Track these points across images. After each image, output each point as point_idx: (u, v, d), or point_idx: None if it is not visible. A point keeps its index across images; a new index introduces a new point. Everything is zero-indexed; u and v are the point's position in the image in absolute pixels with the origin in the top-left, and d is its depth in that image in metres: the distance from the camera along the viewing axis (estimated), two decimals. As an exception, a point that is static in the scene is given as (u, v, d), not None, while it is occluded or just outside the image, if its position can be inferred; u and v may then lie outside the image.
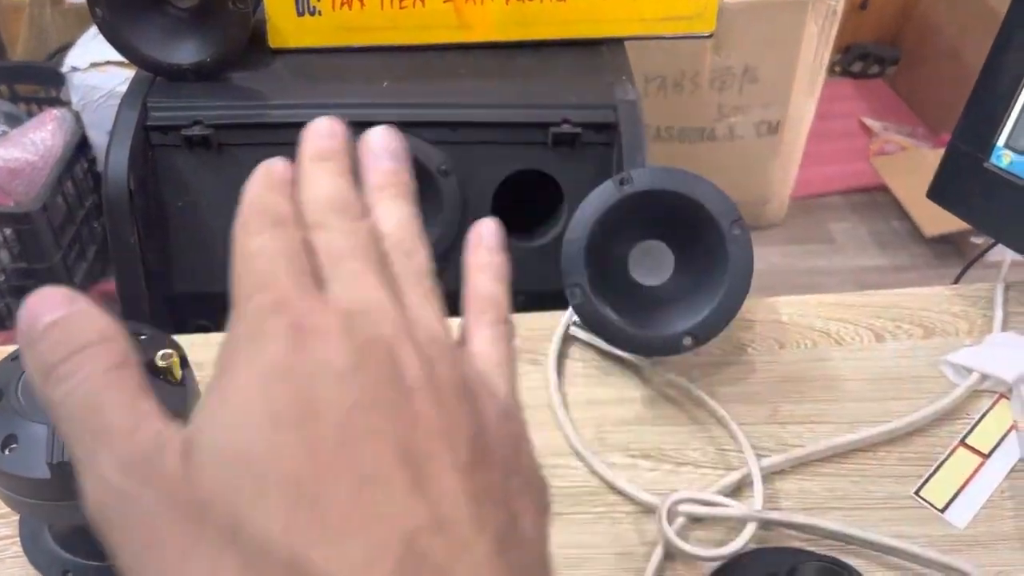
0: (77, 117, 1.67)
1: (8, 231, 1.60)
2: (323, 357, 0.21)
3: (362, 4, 0.69)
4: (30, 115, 1.82)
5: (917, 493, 0.53)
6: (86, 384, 0.21)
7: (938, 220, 1.98)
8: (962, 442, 0.56)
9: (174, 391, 0.46)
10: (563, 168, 0.68)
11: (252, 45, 0.68)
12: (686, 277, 0.56)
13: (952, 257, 1.99)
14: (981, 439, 0.56)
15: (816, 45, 1.78)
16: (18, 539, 0.50)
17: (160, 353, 0.46)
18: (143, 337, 0.48)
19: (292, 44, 0.71)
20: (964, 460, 0.55)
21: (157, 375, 0.46)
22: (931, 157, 2.15)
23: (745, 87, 1.82)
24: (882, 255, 2.03)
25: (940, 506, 0.53)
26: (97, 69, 1.59)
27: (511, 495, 0.22)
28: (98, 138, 1.67)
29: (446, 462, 0.21)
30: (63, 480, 0.41)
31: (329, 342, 0.21)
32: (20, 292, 1.68)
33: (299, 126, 0.67)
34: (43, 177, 1.63)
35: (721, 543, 0.50)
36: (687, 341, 0.53)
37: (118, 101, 1.61)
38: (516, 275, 0.72)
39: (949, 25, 2.33)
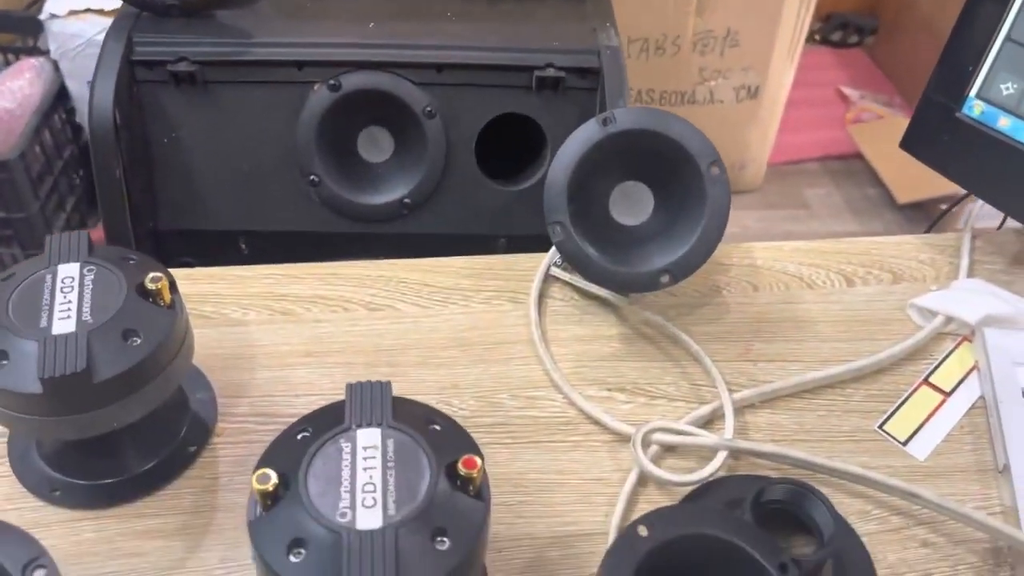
0: (55, 66, 1.65)
1: (-16, 180, 1.59)
2: None
3: (349, -56, 0.70)
4: (7, 64, 1.79)
5: (881, 427, 0.56)
6: None
7: (910, 187, 2.02)
8: (925, 380, 0.59)
9: (163, 314, 0.47)
10: (546, 112, 0.69)
11: (237, -16, 0.68)
12: (664, 217, 0.57)
13: (923, 224, 2.03)
14: (943, 378, 0.59)
15: (798, 10, 1.79)
16: (7, 460, 0.51)
17: (150, 276, 0.47)
18: (132, 261, 0.49)
19: (278, -17, 0.71)
20: (926, 397, 0.57)
21: (147, 297, 0.47)
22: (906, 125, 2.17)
23: (726, 51, 1.83)
24: (856, 221, 2.06)
25: (902, 439, 0.55)
26: (76, 17, 1.57)
27: None
28: (77, 88, 1.65)
29: None
30: (54, 395, 0.42)
31: None
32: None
33: (285, 64, 0.68)
34: (20, 126, 1.61)
35: (692, 471, 0.52)
36: (664, 278, 0.55)
37: (97, 50, 1.60)
38: (499, 219, 0.73)
39: (928, -5, 2.34)
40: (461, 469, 0.39)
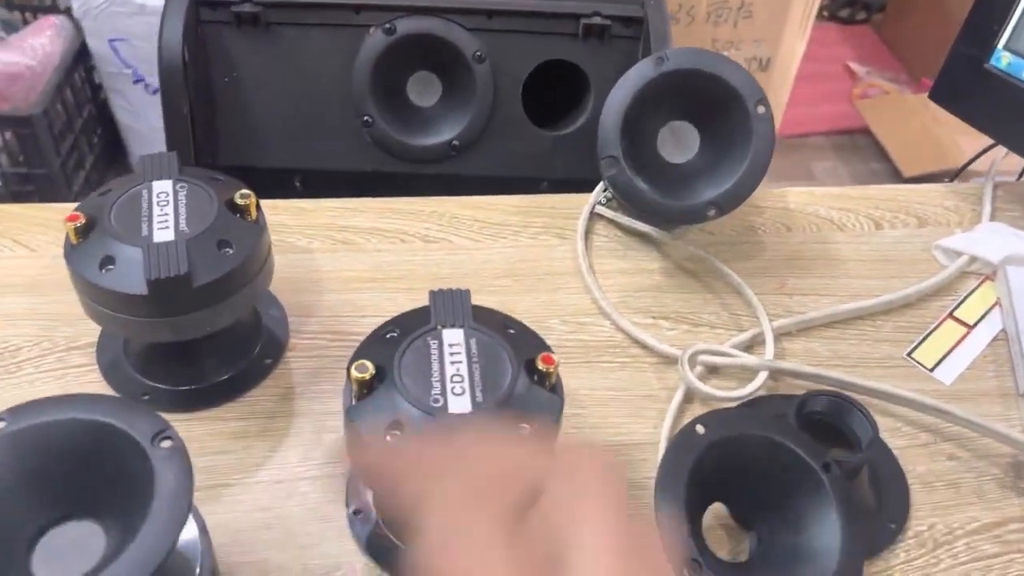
0: (77, 24, 1.67)
1: (8, 135, 1.61)
2: None
3: None
4: (25, 23, 1.80)
5: (909, 355, 0.59)
6: None
7: (916, 161, 2.05)
8: (950, 315, 0.62)
9: (250, 228, 0.50)
10: (590, 59, 0.72)
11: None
12: (711, 154, 0.61)
13: (928, 199, 2.06)
14: (967, 312, 0.62)
15: (811, -17, 1.82)
16: (96, 367, 0.54)
17: (239, 192, 0.50)
18: (219, 180, 0.52)
19: (335, -70, 0.74)
20: (951, 330, 0.61)
21: (235, 212, 0.50)
22: (913, 102, 2.21)
23: (740, 22, 1.85)
24: (862, 194, 2.09)
25: (929, 366, 0.59)
26: (99, -26, 1.59)
27: None
28: (98, 46, 1.66)
29: None
30: (157, 296, 0.46)
31: None
32: (18, 197, 1.69)
33: (344, 8, 0.71)
34: (42, 83, 1.63)
35: (734, 391, 0.56)
36: (711, 211, 0.58)
37: (120, 9, 1.61)
38: (542, 163, 0.76)
39: (936, -27, 2.37)
40: (540, 364, 0.42)
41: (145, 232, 0.47)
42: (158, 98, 1.75)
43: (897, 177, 2.09)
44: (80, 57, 1.71)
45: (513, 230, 0.67)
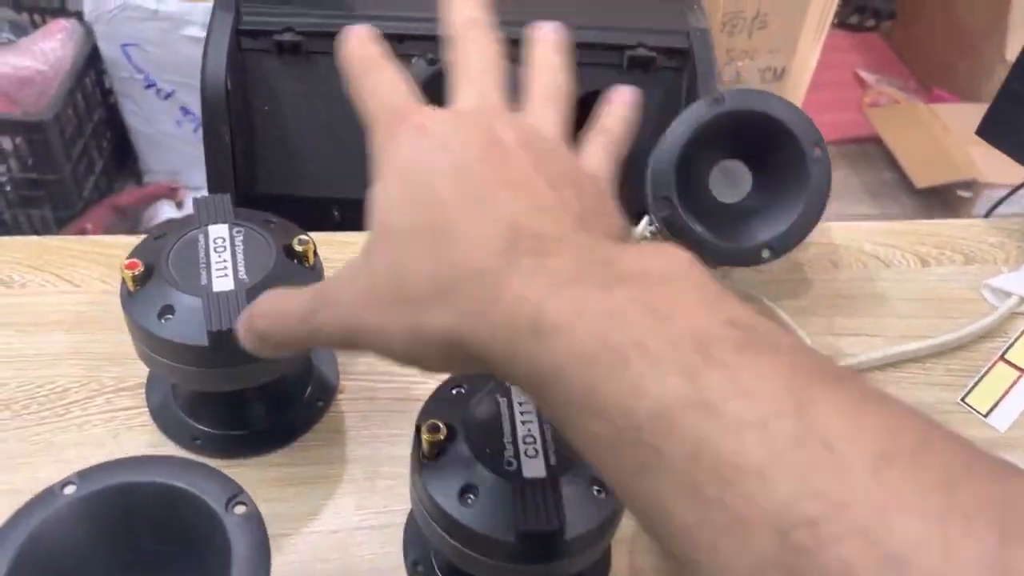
0: (88, 28, 1.66)
1: (19, 140, 1.59)
2: (438, 138, 0.32)
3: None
4: (34, 25, 1.79)
5: (963, 400, 0.59)
6: None
7: (928, 173, 2.05)
8: (1002, 357, 0.62)
9: (309, 274, 0.49)
10: (634, 91, 0.71)
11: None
12: (763, 195, 0.60)
13: (939, 209, 2.06)
14: (1019, 355, 0.62)
15: (825, -5, 1.81)
16: (145, 409, 0.54)
17: (297, 238, 0.49)
18: (273, 223, 0.52)
19: (376, -44, 0.73)
20: (1004, 373, 0.61)
21: (293, 258, 0.49)
22: (923, 111, 2.20)
23: (755, 32, 1.85)
24: (872, 205, 2.09)
25: (984, 411, 0.58)
26: (113, -21, 1.57)
27: (594, 213, 0.31)
28: (110, 50, 1.65)
29: (539, 183, 0.30)
30: (218, 347, 0.45)
31: (445, 126, 0.32)
32: (28, 203, 1.67)
33: (386, 37, 0.70)
34: (53, 87, 1.61)
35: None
36: (766, 253, 0.58)
37: (133, 14, 1.60)
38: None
39: (946, -18, 2.37)
40: (296, 247, 0.47)
41: (204, 280, 0.47)
42: (169, 103, 1.75)
43: (909, 187, 2.09)
44: (91, 61, 1.70)
45: (558, 265, 0.66)
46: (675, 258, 0.27)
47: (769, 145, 0.58)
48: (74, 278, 0.61)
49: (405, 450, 0.53)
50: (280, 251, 0.49)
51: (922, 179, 2.04)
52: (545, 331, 0.26)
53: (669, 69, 0.71)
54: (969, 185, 2.01)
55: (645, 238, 0.67)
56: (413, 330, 0.29)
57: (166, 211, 1.74)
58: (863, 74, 2.44)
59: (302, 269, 0.49)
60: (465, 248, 0.28)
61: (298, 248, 0.49)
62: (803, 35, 1.87)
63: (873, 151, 2.23)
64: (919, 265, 0.68)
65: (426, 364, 0.31)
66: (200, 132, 1.76)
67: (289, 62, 0.68)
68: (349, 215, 0.74)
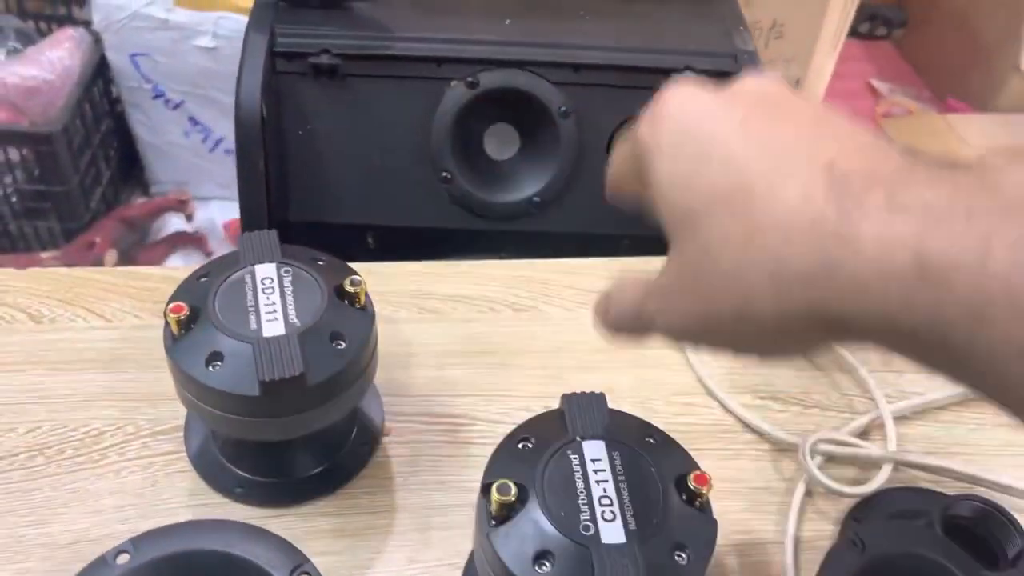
0: (96, 37, 1.63)
1: (26, 151, 1.57)
2: (705, 102, 0.29)
3: (484, -61, 0.69)
4: (40, 34, 1.76)
5: (1031, 441, 0.57)
6: None
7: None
8: (1068, 395, 0.59)
9: (361, 317, 0.47)
10: (679, 115, 0.69)
11: (368, -26, 0.68)
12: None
13: (953, 221, 2.04)
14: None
15: (844, 3, 1.79)
16: (184, 454, 0.51)
17: (349, 279, 0.47)
18: (321, 262, 0.49)
19: (412, -25, 0.71)
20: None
21: (344, 299, 0.47)
22: (939, 122, 2.18)
23: (771, 42, 1.83)
24: (887, 216, 2.07)
25: (1055, 454, 0.56)
26: (123, -12, 1.55)
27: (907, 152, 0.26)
28: (118, 60, 1.62)
29: (836, 121, 0.27)
30: (270, 397, 0.43)
31: (707, 92, 0.30)
32: (34, 215, 1.65)
33: (425, 60, 0.68)
34: (60, 98, 1.59)
35: (853, 482, 0.53)
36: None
37: (142, 23, 1.57)
38: (625, 220, 0.73)
39: (959, -10, 2.35)
40: (692, 484, 0.39)
41: (254, 325, 0.44)
42: (178, 113, 1.72)
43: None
44: (99, 71, 1.67)
45: (605, 297, 0.63)
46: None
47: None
48: (105, 312, 0.58)
49: (457, 498, 0.51)
50: (331, 292, 0.47)
51: (937, 191, 2.01)
52: (944, 271, 0.22)
53: (716, 92, 0.69)
54: None
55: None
56: (740, 315, 0.26)
57: (175, 223, 1.72)
58: (875, 83, 2.42)
59: (353, 311, 0.47)
60: (785, 201, 0.25)
61: (350, 289, 0.47)
62: (819, 45, 1.85)
63: (886, 161, 2.21)
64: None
65: (767, 349, 0.29)
66: (208, 142, 1.74)
67: (325, 85, 0.66)
68: (384, 241, 0.72)
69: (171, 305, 0.44)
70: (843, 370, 0.60)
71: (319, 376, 0.43)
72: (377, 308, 0.61)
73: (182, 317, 0.44)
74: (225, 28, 1.56)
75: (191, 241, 1.71)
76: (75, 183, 1.62)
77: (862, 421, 0.56)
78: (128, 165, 1.83)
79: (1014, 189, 0.22)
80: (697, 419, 0.56)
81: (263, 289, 0.46)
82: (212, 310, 0.45)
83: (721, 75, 0.68)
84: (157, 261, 1.66)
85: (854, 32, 2.62)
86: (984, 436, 0.57)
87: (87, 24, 1.66)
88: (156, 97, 1.69)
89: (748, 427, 0.56)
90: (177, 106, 1.70)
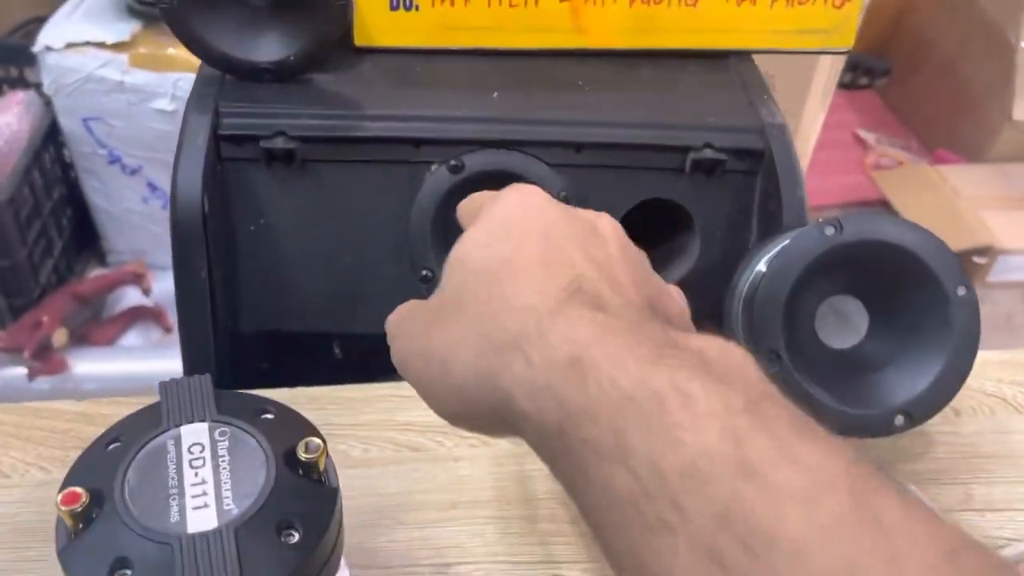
0: (48, 101, 1.52)
1: (-32, 225, 1.45)
2: (534, 202, 0.35)
3: (466, 1, 0.60)
4: (-12, 96, 1.66)
5: None
6: None
7: (943, 239, 1.96)
8: None
9: (321, 493, 0.36)
10: (698, 198, 0.60)
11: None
12: (887, 339, 0.48)
13: (950, 275, 1.97)
14: None
15: (832, 56, 1.73)
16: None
17: (304, 442, 0.36)
18: (268, 416, 0.38)
19: (382, 43, 0.61)
20: None
21: (297, 470, 0.36)
22: (931, 174, 2.12)
23: (761, 94, 1.76)
24: (884, 272, 2.00)
25: None
26: (74, 50, 1.45)
27: (659, 304, 0.34)
28: (71, 125, 1.52)
29: (617, 263, 0.33)
30: (197, 623, 0.31)
31: (542, 196, 0.35)
32: (-20, 291, 1.52)
33: (399, 142, 0.57)
34: (9, 166, 1.48)
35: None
36: (900, 420, 0.45)
37: (96, 85, 1.47)
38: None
39: (944, 38, 2.31)
40: (302, 455, 0.35)
41: (175, 516, 0.33)
42: (135, 179, 1.61)
43: (950, 250, 2.00)
44: (50, 136, 1.57)
45: (620, 422, 0.53)
46: (735, 349, 0.27)
47: (895, 280, 0.46)
48: (3, 465, 0.47)
49: None
50: (280, 461, 0.36)
51: (935, 245, 1.94)
52: (584, 367, 0.26)
53: (739, 172, 0.59)
54: (984, 251, 1.93)
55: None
56: (453, 354, 0.31)
57: (132, 297, 1.60)
58: (862, 134, 2.37)
59: (310, 485, 0.36)
60: (527, 284, 0.30)
61: (304, 457, 0.36)
62: (810, 95, 1.79)
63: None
64: (1055, 408, 0.56)
65: (454, 415, 0.33)
66: (168, 210, 1.64)
67: (280, 173, 0.56)
68: (351, 350, 0.61)
69: (63, 493, 0.33)
70: (913, 510, 0.49)
71: (262, 585, 0.32)
72: (345, 447, 0.50)
73: (79, 508, 0.33)
74: (184, 90, 1.46)
75: (149, 315, 1.59)
76: (23, 256, 1.50)
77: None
78: (82, 234, 1.72)
79: (678, 341, 0.27)
80: None
81: (191, 462, 0.35)
82: (120, 495, 0.34)
83: (746, 153, 0.58)
84: (112, 339, 1.54)
85: (838, 82, 2.58)
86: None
87: (38, 87, 1.55)
88: (112, 162, 1.59)
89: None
90: (134, 171, 1.59)
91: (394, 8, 0.59)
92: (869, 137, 2.34)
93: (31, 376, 1.39)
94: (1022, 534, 0.48)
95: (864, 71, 2.58)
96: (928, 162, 2.22)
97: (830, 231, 0.45)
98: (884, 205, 2.12)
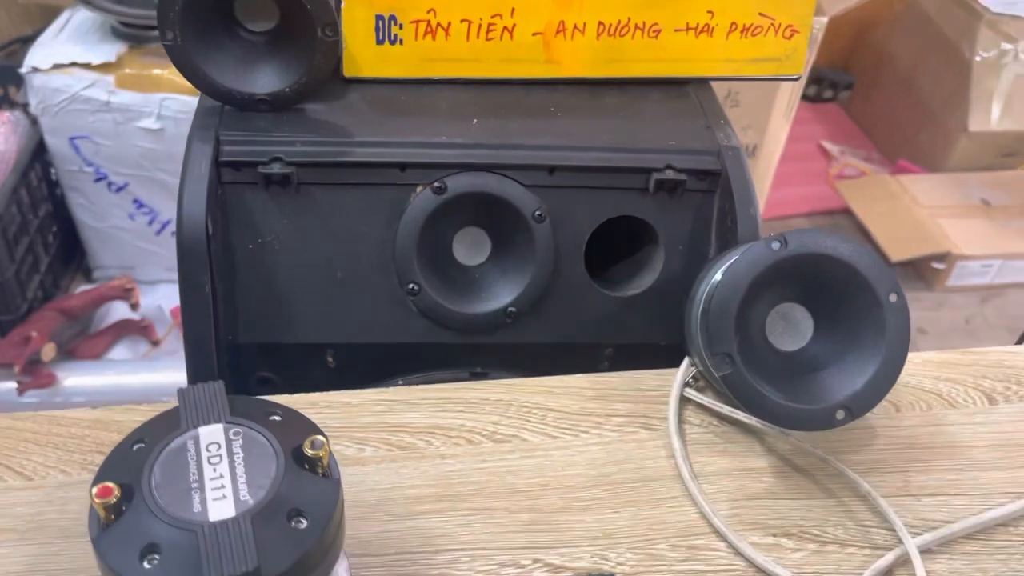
0: (34, 121, 1.56)
1: (-44, 243, 1.48)
2: None
3: (447, 34, 0.65)
4: (-28, 116, 1.68)
5: (1067, 572, 0.52)
6: None
7: (903, 246, 2.03)
8: (1097, 515, 0.55)
9: (324, 486, 0.40)
10: (661, 215, 0.65)
11: (322, 73, 0.63)
12: (829, 343, 0.53)
13: (913, 280, 2.04)
14: (1115, 511, 0.55)
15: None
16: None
17: (310, 440, 0.41)
18: (276, 417, 0.43)
19: (369, 74, 0.65)
20: (1102, 534, 0.54)
21: (304, 464, 0.41)
22: (892, 183, 2.20)
23: (727, 111, 1.82)
24: (850, 279, 2.06)
25: (1092, 586, 0.51)
26: (61, 71, 1.48)
27: None
28: (57, 145, 1.55)
29: None
30: (221, 599, 0.36)
31: None
32: (-34, 309, 1.55)
33: (386, 166, 0.62)
34: (-5, 185, 1.51)
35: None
36: (841, 414, 0.50)
37: (82, 105, 1.51)
38: (607, 328, 0.68)
39: (903, 53, 2.39)
40: (307, 451, 0.39)
41: (197, 507, 0.37)
42: (121, 196, 1.65)
43: (884, 260, 2.06)
44: (37, 155, 1.60)
45: (593, 421, 0.58)
46: None
47: (836, 290, 0.52)
48: (26, 469, 0.51)
49: None
50: (288, 457, 0.40)
51: (897, 252, 2.02)
52: None
53: (698, 191, 0.64)
54: (942, 257, 2.00)
55: (688, 384, 0.59)
56: None
57: (120, 311, 1.63)
58: (827, 145, 2.44)
59: (314, 479, 0.40)
60: None
61: (310, 453, 0.40)
62: (775, 111, 1.85)
63: (844, 223, 2.21)
64: (986, 403, 0.62)
65: None
66: (155, 225, 1.67)
67: (277, 195, 0.60)
68: (344, 358, 0.65)
69: (97, 487, 0.37)
70: (855, 494, 0.54)
71: (276, 566, 0.37)
72: (340, 447, 0.55)
73: (111, 501, 0.37)
74: (170, 109, 1.50)
75: (137, 330, 1.62)
76: (10, 273, 1.53)
77: (887, 560, 0.51)
78: (69, 251, 1.74)
79: None
80: (706, 566, 0.50)
81: (209, 459, 0.40)
82: (148, 489, 0.38)
83: (704, 173, 0.64)
84: (99, 353, 1.57)
85: (802, 95, 2.66)
86: (1014, 568, 0.52)
87: (24, 107, 1.58)
88: (98, 180, 1.62)
89: (765, 573, 0.50)
90: (120, 189, 1.63)
91: (380, 42, 0.64)
92: (833, 149, 2.42)
93: (20, 391, 1.42)
94: (955, 516, 0.54)
95: (829, 85, 2.67)
96: (890, 172, 2.30)
97: (776, 246, 0.50)
98: (848, 214, 2.19)
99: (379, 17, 0.64)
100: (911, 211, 2.10)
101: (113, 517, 0.38)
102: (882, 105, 2.48)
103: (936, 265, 2.01)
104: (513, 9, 0.65)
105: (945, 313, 1.98)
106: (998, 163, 2.24)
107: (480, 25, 0.65)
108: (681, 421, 0.58)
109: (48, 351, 1.47)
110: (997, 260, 1.98)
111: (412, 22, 0.64)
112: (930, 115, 2.27)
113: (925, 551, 0.52)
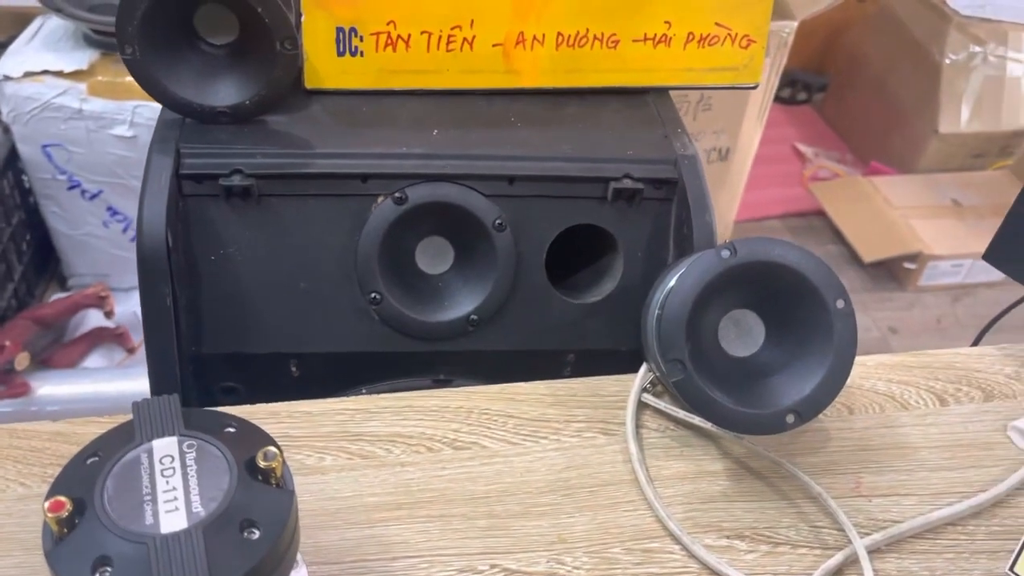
0: (6, 128, 1.55)
1: (-73, 253, 1.47)
2: None
3: (407, 46, 0.65)
4: (-57, 124, 1.67)
5: (1012, 569, 0.53)
6: None
7: (875, 246, 2.06)
8: (1043, 513, 0.57)
9: (279, 496, 0.41)
10: (619, 223, 0.66)
11: (284, 84, 0.63)
12: (779, 349, 0.54)
13: (886, 281, 2.07)
14: (1060, 509, 0.57)
15: (768, 74, 1.82)
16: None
17: (262, 451, 0.41)
18: (231, 429, 0.43)
19: (330, 86, 0.66)
20: (1047, 532, 0.55)
21: (257, 476, 0.41)
22: (865, 185, 2.22)
23: (699, 115, 1.84)
24: (823, 280, 2.08)
25: (1035, 582, 0.53)
26: (32, 79, 1.48)
27: None
28: (30, 152, 1.55)
29: None
30: (171, 609, 0.36)
31: None
32: (-62, 318, 1.54)
33: (347, 177, 0.63)
34: (-34, 194, 1.50)
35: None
36: (791, 419, 0.52)
37: (55, 113, 1.50)
38: (568, 334, 0.69)
39: (875, 56, 2.42)
40: (260, 463, 0.40)
41: (150, 519, 0.38)
42: (95, 204, 1.64)
43: (855, 260, 2.09)
44: (9, 163, 1.59)
45: (552, 427, 0.59)
46: None
47: (785, 296, 0.53)
48: (-15, 481, 0.51)
49: None
50: (241, 469, 0.41)
51: (870, 253, 2.04)
52: None
53: (656, 199, 0.65)
54: (914, 257, 2.03)
55: (646, 389, 0.60)
56: None
57: (94, 319, 1.62)
58: (801, 147, 2.47)
59: (268, 489, 0.41)
60: None
61: (263, 464, 0.41)
62: (747, 115, 1.87)
63: (818, 224, 2.24)
64: (937, 404, 0.63)
65: None
66: (129, 232, 1.66)
67: (239, 207, 0.61)
68: (307, 368, 0.66)
69: (49, 501, 0.38)
70: (807, 496, 0.56)
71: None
72: (301, 457, 0.56)
73: (63, 515, 0.38)
74: (143, 116, 1.50)
75: (112, 337, 1.61)
76: (-18, 283, 1.52)
77: (836, 560, 0.52)
78: (43, 259, 1.74)
79: None
80: (661, 569, 0.51)
81: (162, 471, 0.40)
82: (100, 502, 0.38)
83: (662, 182, 0.65)
84: (74, 361, 1.56)
85: (776, 97, 2.68)
86: (962, 566, 0.53)
87: (-5, 115, 1.58)
88: (71, 188, 1.62)
89: (715, 574, 0.51)
90: (94, 196, 1.62)
91: (341, 54, 0.65)
92: (807, 150, 2.44)
93: (-7, 400, 1.41)
94: (904, 516, 0.55)
95: (802, 87, 2.69)
96: (862, 173, 2.33)
97: (725, 254, 0.51)
98: (822, 216, 2.22)
99: (340, 29, 0.64)
100: (883, 212, 2.13)
101: (66, 531, 0.38)
102: (855, 107, 2.50)
103: (908, 265, 2.04)
104: (473, 20, 0.66)
105: (917, 313, 2.00)
106: (968, 164, 2.27)
107: (440, 36, 0.66)
108: (639, 426, 0.59)
109: (22, 360, 1.47)
110: (968, 260, 2.01)
111: (372, 34, 0.65)
112: (902, 117, 2.30)
113: (874, 550, 0.53)
